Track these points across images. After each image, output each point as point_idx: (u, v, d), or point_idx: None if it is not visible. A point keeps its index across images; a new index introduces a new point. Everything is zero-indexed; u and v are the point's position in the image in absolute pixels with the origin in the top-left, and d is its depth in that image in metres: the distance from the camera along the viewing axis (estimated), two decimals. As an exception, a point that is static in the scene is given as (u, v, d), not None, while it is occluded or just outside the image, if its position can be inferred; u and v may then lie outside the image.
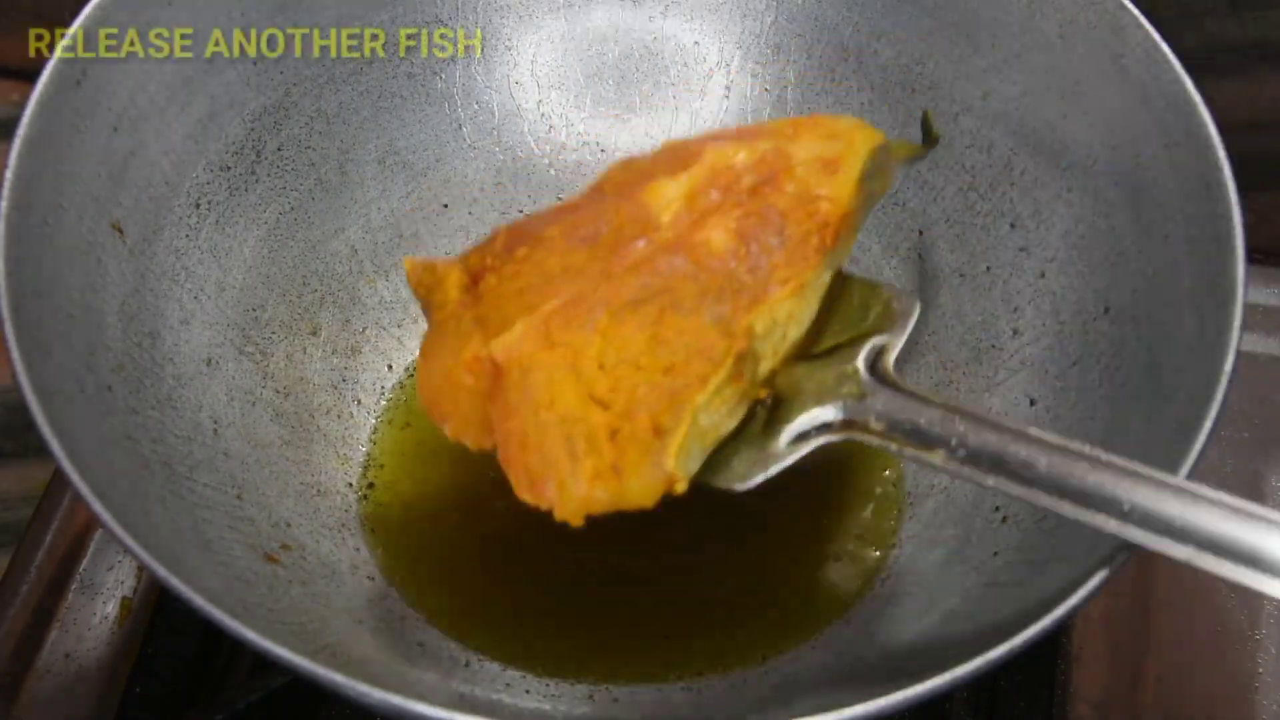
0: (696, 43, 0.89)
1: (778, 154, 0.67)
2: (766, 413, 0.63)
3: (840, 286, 0.68)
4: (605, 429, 0.59)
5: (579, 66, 0.90)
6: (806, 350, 0.65)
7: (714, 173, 0.66)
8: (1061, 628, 0.71)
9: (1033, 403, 0.75)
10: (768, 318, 0.63)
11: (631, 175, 0.67)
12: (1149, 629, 0.79)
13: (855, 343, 0.63)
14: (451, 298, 0.65)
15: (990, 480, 0.56)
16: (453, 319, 0.64)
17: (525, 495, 0.59)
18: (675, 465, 0.58)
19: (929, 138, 0.72)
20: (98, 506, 0.54)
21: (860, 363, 0.62)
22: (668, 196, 0.65)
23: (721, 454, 0.62)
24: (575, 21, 0.89)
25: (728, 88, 0.90)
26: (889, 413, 0.59)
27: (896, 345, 0.63)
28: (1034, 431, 0.56)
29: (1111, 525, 0.53)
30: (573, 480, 0.58)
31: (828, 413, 0.61)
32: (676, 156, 0.67)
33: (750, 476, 0.61)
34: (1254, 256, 0.63)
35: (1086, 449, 0.54)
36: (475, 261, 0.65)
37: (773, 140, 0.67)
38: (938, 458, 0.57)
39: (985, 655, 0.52)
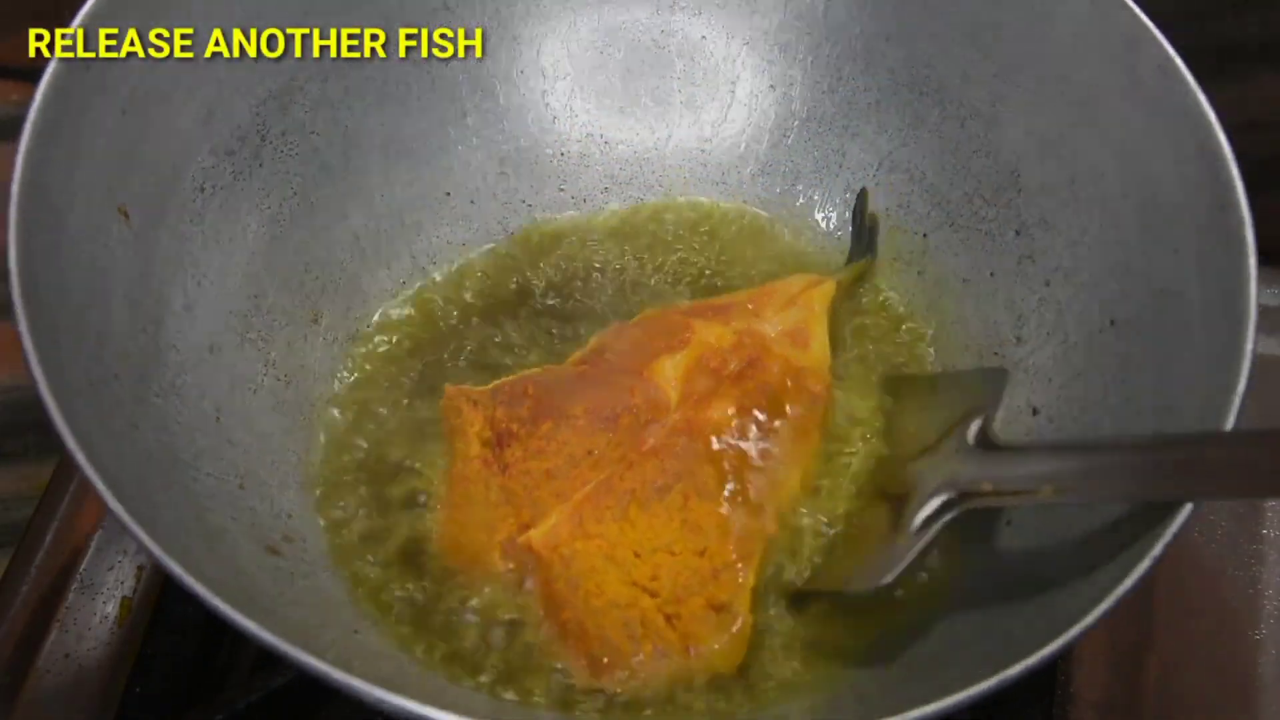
0: (703, 37, 0.89)
1: (752, 335, 0.77)
2: (892, 513, 0.69)
3: (932, 388, 0.78)
4: (658, 614, 0.66)
5: (585, 59, 0.89)
6: (921, 447, 0.71)
7: (704, 353, 0.75)
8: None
9: (1035, 412, 0.75)
10: (784, 495, 0.73)
11: (629, 346, 0.77)
12: (1150, 630, 0.79)
13: (961, 424, 0.70)
14: (473, 452, 0.72)
15: (1097, 494, 0.62)
16: (478, 480, 0.72)
17: (591, 680, 0.66)
18: (750, 617, 0.67)
19: (862, 228, 0.77)
20: (113, 501, 0.53)
21: (970, 438, 0.68)
22: (668, 374, 0.74)
23: (852, 562, 0.70)
24: (582, 15, 0.89)
25: (733, 84, 0.89)
26: (996, 475, 0.65)
27: (995, 415, 0.70)
28: (1121, 439, 0.65)
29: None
30: (636, 662, 0.65)
31: (946, 493, 0.66)
32: (666, 329, 0.77)
33: (889, 570, 0.66)
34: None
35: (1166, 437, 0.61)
36: (502, 418, 0.73)
37: (743, 319, 0.78)
38: (1046, 493, 0.62)
39: (1000, 674, 0.53)
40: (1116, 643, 0.78)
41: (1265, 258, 0.64)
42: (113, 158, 0.68)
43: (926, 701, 0.52)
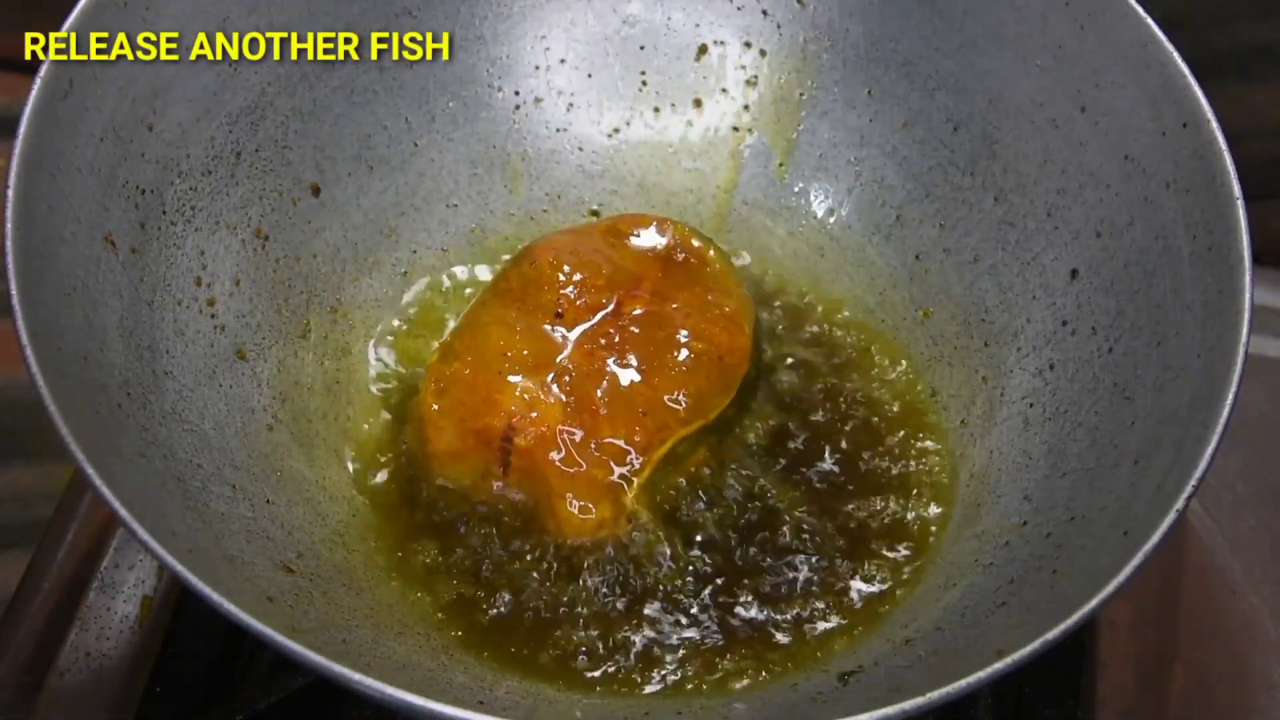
0: (669, 27, 0.89)
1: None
2: None
3: None
4: None
5: (550, 56, 0.89)
6: None
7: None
8: (1086, 634, 0.74)
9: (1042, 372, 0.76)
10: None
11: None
12: (1175, 636, 0.79)
13: None
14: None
15: None
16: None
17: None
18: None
19: None
20: (162, 553, 0.53)
21: None
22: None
23: None
24: (547, 13, 0.88)
25: (701, 70, 0.90)
26: None
27: None
28: None
29: None
30: None
31: None
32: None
33: None
34: (1260, 259, 0.63)
35: None
36: None
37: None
38: None
39: (1008, 658, 0.53)
40: (1143, 650, 0.78)
41: (1265, 258, 0.64)
42: (95, 188, 0.68)
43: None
